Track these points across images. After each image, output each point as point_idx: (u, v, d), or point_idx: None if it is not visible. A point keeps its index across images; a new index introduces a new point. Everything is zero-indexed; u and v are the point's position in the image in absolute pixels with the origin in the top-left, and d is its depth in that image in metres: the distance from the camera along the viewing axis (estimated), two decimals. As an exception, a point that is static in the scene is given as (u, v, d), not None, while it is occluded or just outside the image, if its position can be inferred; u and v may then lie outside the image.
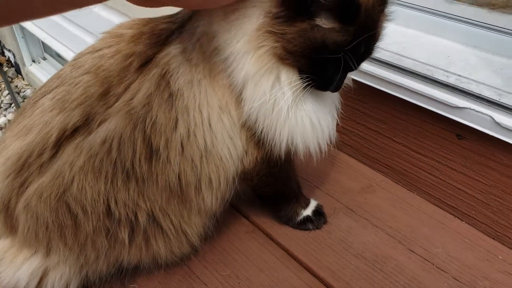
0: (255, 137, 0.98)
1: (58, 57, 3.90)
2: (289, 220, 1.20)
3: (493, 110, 1.05)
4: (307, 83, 0.90)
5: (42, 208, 0.94)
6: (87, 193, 0.93)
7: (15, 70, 4.40)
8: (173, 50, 0.94)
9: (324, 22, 0.83)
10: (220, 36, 0.89)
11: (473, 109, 1.07)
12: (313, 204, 1.22)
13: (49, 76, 3.18)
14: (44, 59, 4.14)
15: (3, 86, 4.23)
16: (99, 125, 0.92)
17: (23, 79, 4.31)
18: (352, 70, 0.92)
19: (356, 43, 0.84)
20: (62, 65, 3.81)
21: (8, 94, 4.09)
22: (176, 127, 0.93)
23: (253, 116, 0.93)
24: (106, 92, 0.93)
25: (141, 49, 0.95)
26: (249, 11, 0.86)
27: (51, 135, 0.92)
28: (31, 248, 1.02)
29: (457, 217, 1.24)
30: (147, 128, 0.91)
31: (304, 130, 0.96)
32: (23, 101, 3.97)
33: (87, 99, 0.92)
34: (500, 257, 1.12)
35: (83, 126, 0.92)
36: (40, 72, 4.01)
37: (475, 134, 1.11)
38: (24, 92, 4.12)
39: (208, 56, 0.93)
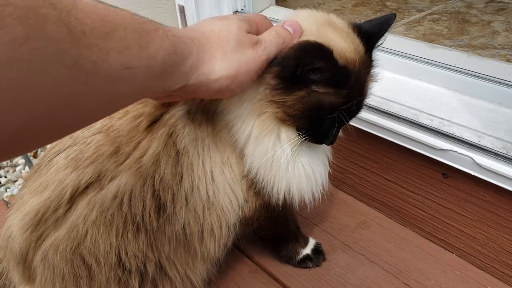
0: (255, 187, 1.07)
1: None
2: (289, 260, 1.28)
3: (473, 152, 1.14)
4: (304, 138, 0.99)
5: (58, 260, 1.01)
6: (100, 245, 1.00)
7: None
8: (178, 112, 1.03)
9: (319, 88, 0.91)
10: (226, 101, 0.99)
11: (455, 151, 1.16)
12: (312, 242, 1.30)
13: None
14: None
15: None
16: (110, 181, 1.00)
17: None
18: (345, 125, 1.01)
19: (349, 102, 0.94)
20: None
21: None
22: (181, 181, 1.01)
23: (254, 170, 1.01)
24: (116, 151, 1.01)
25: (149, 111, 1.04)
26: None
27: (66, 191, 1.00)
28: (48, 297, 1.09)
29: (448, 250, 1.32)
30: (156, 183, 1.00)
31: (300, 181, 1.04)
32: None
33: (98, 157, 1.00)
34: (489, 287, 1.19)
35: (95, 182, 1.00)
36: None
37: (459, 174, 1.19)
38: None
39: (211, 116, 1.02)
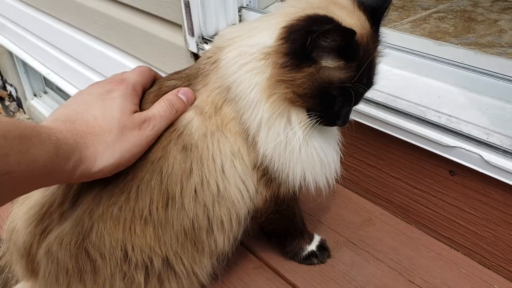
0: (266, 177, 1.07)
1: (59, 90, 3.98)
2: (294, 256, 1.27)
3: (482, 149, 1.13)
4: (315, 120, 0.99)
5: (63, 254, 1.00)
6: (106, 240, 1.00)
7: (17, 104, 4.49)
8: None
9: (329, 63, 0.92)
10: (235, 88, 0.98)
11: (463, 148, 1.15)
12: (317, 239, 1.29)
13: (50, 110, 3.27)
14: (45, 92, 4.23)
15: (5, 120, 4.30)
16: (117, 176, 0.99)
17: (25, 113, 4.39)
18: (357, 103, 1.01)
19: (359, 77, 0.94)
20: (64, 98, 3.91)
21: (11, 128, 4.16)
22: (190, 175, 1.01)
23: (268, 157, 1.01)
24: None
25: (148, 107, 1.02)
26: (258, 64, 0.96)
27: (72, 186, 0.99)
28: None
29: (454, 248, 1.31)
30: (164, 178, 0.99)
31: (314, 166, 1.04)
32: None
33: None
34: (496, 286, 1.18)
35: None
36: (42, 106, 4.09)
37: (467, 171, 1.19)
38: (26, 125, 4.19)
39: (219, 108, 1.01)
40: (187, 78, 1.07)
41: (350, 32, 0.88)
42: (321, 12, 0.93)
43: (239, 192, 1.05)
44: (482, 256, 1.25)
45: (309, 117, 0.99)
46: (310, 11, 0.94)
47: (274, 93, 0.95)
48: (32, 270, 1.08)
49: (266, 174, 1.06)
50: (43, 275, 1.05)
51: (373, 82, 1.02)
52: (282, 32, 0.93)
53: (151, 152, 1.00)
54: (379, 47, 1.03)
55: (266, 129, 0.99)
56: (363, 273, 1.24)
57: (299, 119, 0.99)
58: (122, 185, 0.99)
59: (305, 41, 0.89)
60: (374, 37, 0.99)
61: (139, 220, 1.00)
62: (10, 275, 1.16)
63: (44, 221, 1.01)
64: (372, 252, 1.30)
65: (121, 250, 1.00)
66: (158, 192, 0.99)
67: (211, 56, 1.06)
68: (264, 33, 0.98)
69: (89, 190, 1.00)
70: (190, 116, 1.02)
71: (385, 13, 1.02)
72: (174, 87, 1.06)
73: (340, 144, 1.13)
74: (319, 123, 1.00)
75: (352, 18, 0.95)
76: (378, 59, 1.03)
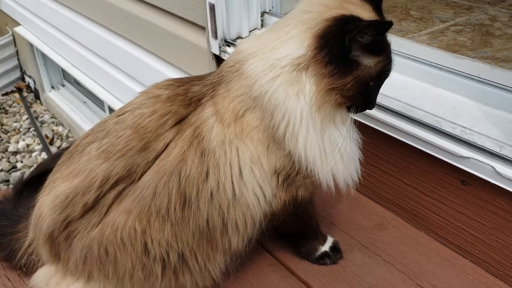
0: (287, 181, 1.12)
1: (76, 83, 4.05)
2: (308, 255, 1.32)
3: (494, 161, 1.17)
4: (353, 112, 1.09)
5: (89, 244, 1.07)
6: (130, 233, 1.06)
7: (34, 96, 4.56)
8: (205, 113, 1.09)
9: (369, 62, 1.02)
10: (267, 100, 1.04)
11: (476, 159, 1.19)
12: (330, 240, 1.34)
13: (67, 102, 3.30)
14: (63, 85, 4.29)
15: (22, 111, 4.38)
16: (141, 175, 1.06)
17: (41, 105, 4.46)
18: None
19: (391, 64, 1.06)
20: (80, 92, 3.97)
21: (27, 118, 4.23)
22: (207, 179, 1.07)
23: (310, 161, 1.07)
24: (145, 147, 1.07)
25: (175, 109, 1.10)
26: (291, 76, 1.02)
27: (96, 180, 1.05)
28: (74, 276, 1.14)
29: (462, 255, 1.35)
30: (182, 180, 1.05)
31: (350, 165, 1.13)
32: (41, 126, 4.10)
33: (128, 151, 1.06)
34: (502, 294, 1.23)
35: (126, 176, 1.06)
36: (59, 98, 4.16)
37: (478, 181, 1.23)
38: (42, 117, 4.26)
39: (241, 115, 1.07)
40: (212, 86, 1.13)
41: (387, 24, 0.97)
42: (341, 11, 1.00)
43: (255, 197, 1.11)
44: (490, 264, 1.29)
45: (348, 111, 1.09)
46: (329, 13, 1.00)
47: (326, 102, 1.02)
48: (55, 254, 1.14)
49: (287, 178, 1.12)
50: (64, 259, 1.11)
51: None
52: (315, 42, 0.99)
53: (171, 156, 1.06)
54: None
55: (314, 135, 1.05)
56: (373, 275, 1.28)
57: (342, 119, 1.08)
58: (145, 184, 1.05)
59: (343, 43, 0.96)
60: None
61: (156, 216, 1.06)
62: (36, 258, 1.21)
63: (67, 209, 1.07)
64: (383, 255, 1.34)
65: (141, 243, 1.06)
66: (176, 193, 1.05)
67: (233, 65, 1.11)
68: (290, 44, 1.03)
69: (114, 187, 1.06)
70: (211, 123, 1.08)
71: None
72: (200, 93, 1.12)
73: (359, 142, 1.19)
74: (355, 112, 1.09)
75: (365, 12, 1.03)
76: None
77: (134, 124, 1.08)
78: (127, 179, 1.06)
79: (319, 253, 1.31)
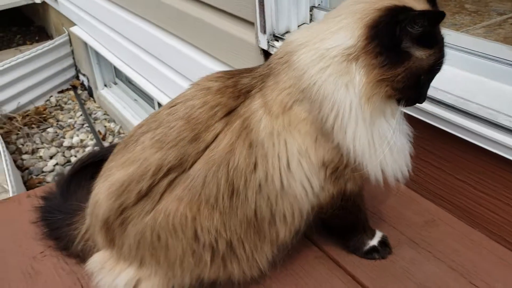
0: (335, 174, 1.12)
1: (128, 82, 4.18)
2: (356, 250, 1.31)
3: (555, 156, 1.12)
4: (403, 105, 1.06)
5: (143, 230, 1.10)
6: (181, 220, 1.08)
7: (88, 93, 4.75)
8: (254, 105, 1.10)
9: (421, 54, 0.99)
10: (315, 91, 1.03)
11: (536, 154, 1.15)
12: (378, 235, 1.32)
13: (119, 100, 3.43)
14: (115, 83, 4.45)
15: (77, 107, 4.56)
16: (192, 165, 1.09)
17: (95, 102, 4.64)
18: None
19: (443, 58, 1.04)
20: (131, 89, 4.09)
21: (81, 115, 4.41)
22: (255, 170, 1.08)
23: (359, 154, 1.05)
24: (196, 137, 1.09)
25: (225, 101, 1.11)
26: (341, 67, 1.01)
27: (149, 169, 1.09)
28: (127, 261, 1.18)
29: (518, 255, 1.30)
30: (230, 170, 1.07)
31: (399, 158, 1.10)
32: (94, 122, 4.26)
33: (180, 141, 1.09)
34: (561, 295, 1.17)
35: (178, 165, 1.08)
36: (111, 96, 4.31)
37: (538, 177, 1.18)
38: (95, 114, 4.43)
39: (289, 108, 1.07)
40: (261, 78, 1.14)
41: (439, 14, 0.95)
42: (393, 2, 0.98)
43: (303, 189, 1.11)
44: (549, 264, 1.23)
45: (398, 104, 1.06)
46: (382, 4, 0.98)
47: (376, 93, 1.01)
48: (110, 240, 1.18)
49: (336, 171, 1.11)
50: (119, 245, 1.15)
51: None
52: (366, 31, 0.98)
53: (220, 146, 1.08)
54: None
55: (363, 127, 1.03)
56: (423, 271, 1.25)
57: (392, 112, 1.07)
58: (196, 173, 1.08)
59: (393, 33, 0.95)
60: None
61: (206, 204, 1.08)
62: (92, 244, 1.27)
63: (122, 196, 1.11)
64: (434, 252, 1.31)
65: (192, 230, 1.09)
66: (224, 183, 1.07)
67: (282, 57, 1.11)
68: (341, 34, 1.02)
69: (166, 175, 1.09)
70: (260, 115, 1.09)
71: None
72: (249, 85, 1.13)
73: (410, 135, 1.17)
74: (405, 106, 1.07)
75: (419, 3, 1.00)
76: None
77: (185, 115, 1.11)
78: (179, 168, 1.08)
79: (367, 247, 1.30)
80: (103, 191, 1.14)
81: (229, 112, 1.11)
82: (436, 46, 1.01)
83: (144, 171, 1.09)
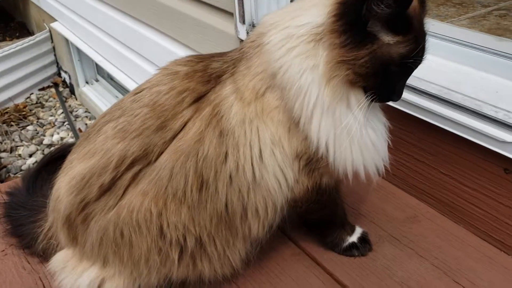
0: (309, 166, 1.05)
1: (110, 79, 4.09)
2: (335, 246, 1.24)
3: (542, 146, 1.07)
4: (371, 98, 0.98)
5: (105, 227, 1.03)
6: (145, 215, 1.01)
7: (69, 91, 4.65)
8: (225, 91, 1.03)
9: (389, 39, 0.91)
10: (282, 75, 0.97)
11: (522, 145, 1.09)
12: (358, 231, 1.26)
13: (100, 97, 3.35)
14: (97, 80, 4.36)
15: (58, 105, 4.46)
16: (158, 156, 1.01)
17: (76, 99, 4.54)
18: (410, 74, 1.00)
19: (419, 49, 0.94)
20: (113, 86, 4.01)
21: (62, 113, 4.31)
22: (225, 161, 1.01)
23: (323, 144, 0.99)
24: (162, 126, 1.02)
25: (193, 86, 1.04)
26: (308, 47, 0.94)
27: (112, 160, 1.01)
28: (90, 260, 1.10)
29: (503, 251, 1.24)
30: (199, 161, 1.00)
31: (369, 151, 1.03)
32: (75, 120, 4.17)
33: (144, 130, 1.01)
34: (548, 293, 1.12)
35: (143, 156, 1.01)
36: (92, 93, 4.22)
37: (524, 169, 1.13)
38: (76, 111, 4.33)
39: (261, 94, 1.01)
40: (233, 62, 1.07)
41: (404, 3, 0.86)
42: None
43: (276, 181, 1.04)
44: (535, 261, 1.18)
45: (366, 96, 0.98)
46: None
47: (335, 76, 0.93)
48: (73, 238, 1.10)
49: (309, 163, 1.04)
50: (81, 244, 1.08)
51: (425, 53, 1.00)
52: (335, 8, 0.91)
53: (189, 135, 1.00)
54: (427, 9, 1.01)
55: (324, 116, 0.97)
56: (405, 268, 1.20)
57: (358, 101, 0.98)
58: (161, 165, 1.01)
59: (360, 11, 0.87)
60: (423, 8, 0.98)
61: (173, 198, 1.00)
62: (55, 243, 1.19)
63: (84, 191, 1.03)
64: (416, 249, 1.25)
65: (157, 226, 1.02)
66: (193, 174, 1.00)
67: (255, 40, 1.05)
68: (312, 11, 0.96)
69: (130, 168, 1.02)
70: (231, 101, 1.02)
71: None
72: (220, 70, 1.06)
73: (387, 130, 1.10)
74: (375, 101, 0.99)
75: None
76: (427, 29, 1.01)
77: (151, 102, 1.04)
78: (144, 159, 1.01)
79: (346, 243, 1.23)
80: (64, 186, 1.07)
81: (198, 98, 1.04)
82: (410, 35, 0.92)
83: (106, 163, 1.02)
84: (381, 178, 1.38)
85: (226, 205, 1.03)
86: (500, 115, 1.15)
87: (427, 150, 1.36)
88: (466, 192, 1.30)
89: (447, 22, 1.82)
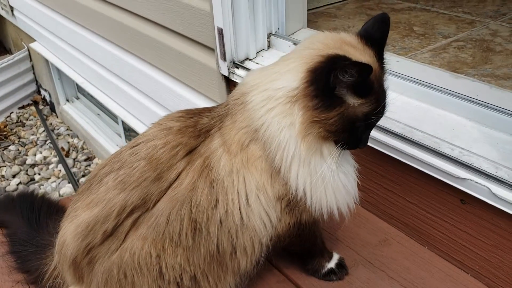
0: (290, 207, 1.19)
1: (90, 96, 4.15)
2: (315, 272, 1.39)
3: (490, 182, 1.23)
4: (341, 148, 1.13)
5: (109, 268, 1.15)
6: (146, 258, 1.13)
7: (50, 109, 4.68)
8: (213, 144, 1.17)
9: (353, 102, 1.06)
10: (264, 131, 1.11)
11: (473, 180, 1.25)
12: (335, 257, 1.41)
13: (81, 115, 3.41)
14: (77, 98, 4.41)
15: (39, 123, 4.50)
16: (155, 203, 1.14)
17: (57, 117, 4.58)
18: (374, 126, 1.16)
19: (380, 108, 1.09)
20: (94, 104, 4.07)
21: (44, 131, 4.35)
22: (216, 207, 1.14)
23: (301, 190, 1.14)
24: (159, 177, 1.14)
25: (186, 140, 1.17)
26: (285, 108, 1.09)
27: (114, 210, 1.13)
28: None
29: (464, 270, 1.41)
30: (193, 208, 1.13)
31: (341, 194, 1.18)
32: (57, 138, 4.22)
33: (143, 182, 1.14)
34: (501, 308, 1.28)
35: (141, 204, 1.14)
36: (73, 111, 4.27)
37: (476, 201, 1.28)
38: (58, 129, 4.38)
39: (246, 146, 1.15)
40: (220, 118, 1.21)
41: (367, 67, 1.00)
42: (337, 52, 1.06)
43: (261, 222, 1.18)
44: (490, 279, 1.35)
45: (336, 147, 1.12)
46: (326, 52, 1.06)
47: (309, 134, 1.08)
48: (79, 278, 1.22)
49: (290, 204, 1.19)
50: (89, 284, 1.19)
51: (386, 108, 1.15)
52: (306, 76, 1.06)
53: (183, 185, 1.14)
54: (385, 76, 1.16)
55: (301, 166, 1.11)
56: (378, 291, 1.35)
57: (330, 152, 1.12)
58: (159, 212, 1.13)
59: (328, 79, 1.01)
60: (382, 69, 1.13)
61: (170, 242, 1.13)
62: (61, 281, 1.30)
63: (88, 237, 1.15)
64: (387, 271, 1.41)
65: (157, 267, 1.14)
66: (188, 220, 1.13)
67: (238, 98, 1.18)
68: (287, 76, 1.10)
69: (130, 215, 1.14)
70: (220, 153, 1.15)
71: (386, 43, 1.15)
72: (209, 125, 1.20)
73: (356, 170, 1.25)
74: (344, 149, 1.14)
75: (364, 56, 1.08)
76: (386, 86, 1.15)
77: (147, 156, 1.16)
78: (142, 207, 1.14)
79: (325, 270, 1.38)
80: (70, 232, 1.18)
81: (190, 151, 1.17)
82: (372, 96, 1.07)
83: (108, 212, 1.14)
84: (357, 205, 1.54)
85: (217, 246, 1.16)
86: (456, 153, 1.31)
87: (394, 180, 1.52)
88: (429, 219, 1.46)
89: (411, 55, 1.98)
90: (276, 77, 1.12)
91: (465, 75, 1.76)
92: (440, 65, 1.85)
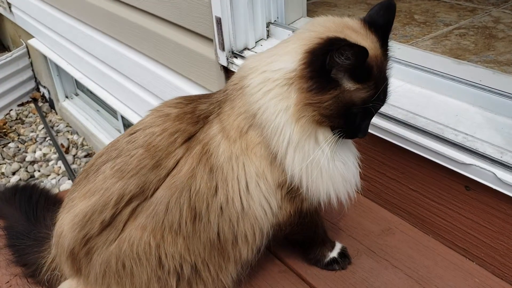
0: (290, 194, 1.16)
1: (90, 93, 4.13)
2: (317, 262, 1.36)
3: (495, 167, 1.20)
4: (339, 136, 1.09)
5: (108, 259, 1.13)
6: (145, 248, 1.11)
7: (49, 105, 4.66)
8: (212, 131, 1.14)
9: (350, 86, 1.02)
10: (260, 115, 1.08)
11: (478, 166, 1.23)
12: (338, 246, 1.39)
13: (81, 111, 3.40)
14: (77, 94, 4.39)
15: (38, 120, 4.48)
16: (153, 192, 1.12)
17: (56, 114, 4.56)
18: (374, 115, 1.12)
19: (378, 95, 1.05)
20: (94, 100, 4.05)
21: (43, 128, 4.33)
22: (216, 194, 1.12)
23: (297, 177, 1.11)
24: (157, 165, 1.12)
25: (184, 127, 1.15)
26: (282, 90, 1.06)
27: (111, 199, 1.11)
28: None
29: (468, 258, 1.38)
30: (192, 195, 1.11)
31: (337, 182, 1.14)
32: (57, 135, 4.20)
33: (141, 170, 1.12)
34: (507, 296, 1.26)
35: (139, 193, 1.11)
36: (73, 107, 4.25)
37: (481, 187, 1.26)
38: (57, 126, 4.36)
39: (245, 132, 1.12)
40: (218, 104, 1.18)
41: (362, 50, 0.97)
42: (338, 35, 1.03)
43: (262, 210, 1.16)
44: (496, 267, 1.32)
45: (333, 134, 1.09)
46: (326, 34, 1.04)
47: (303, 116, 1.05)
48: (76, 270, 1.20)
49: (290, 192, 1.16)
50: (85, 274, 1.17)
51: (388, 96, 1.12)
52: (304, 57, 1.03)
53: (182, 172, 1.11)
54: (389, 63, 1.12)
55: (296, 151, 1.09)
56: (382, 279, 1.32)
57: (325, 138, 1.09)
58: (158, 200, 1.11)
59: (324, 61, 0.98)
60: (385, 55, 1.10)
61: (169, 231, 1.11)
62: (59, 274, 1.28)
63: (86, 227, 1.13)
64: (391, 260, 1.38)
65: (156, 257, 1.12)
66: (187, 208, 1.11)
67: (237, 83, 1.16)
68: (286, 57, 1.07)
69: (128, 204, 1.12)
70: (219, 140, 1.13)
71: (391, 30, 1.12)
72: (207, 111, 1.17)
73: (358, 159, 1.22)
74: (342, 138, 1.10)
75: (365, 41, 1.04)
76: (389, 74, 1.12)
77: (145, 143, 1.14)
78: (141, 196, 1.11)
79: (328, 259, 1.36)
80: (67, 222, 1.16)
81: (189, 138, 1.15)
82: (370, 82, 1.03)
83: (106, 201, 1.11)
84: (360, 195, 1.52)
85: (218, 234, 1.14)
86: (459, 138, 1.28)
87: (397, 168, 1.49)
88: (433, 206, 1.43)
89: (412, 43, 1.95)
90: (274, 59, 1.10)
91: (467, 61, 1.74)
92: (442, 52, 1.82)
